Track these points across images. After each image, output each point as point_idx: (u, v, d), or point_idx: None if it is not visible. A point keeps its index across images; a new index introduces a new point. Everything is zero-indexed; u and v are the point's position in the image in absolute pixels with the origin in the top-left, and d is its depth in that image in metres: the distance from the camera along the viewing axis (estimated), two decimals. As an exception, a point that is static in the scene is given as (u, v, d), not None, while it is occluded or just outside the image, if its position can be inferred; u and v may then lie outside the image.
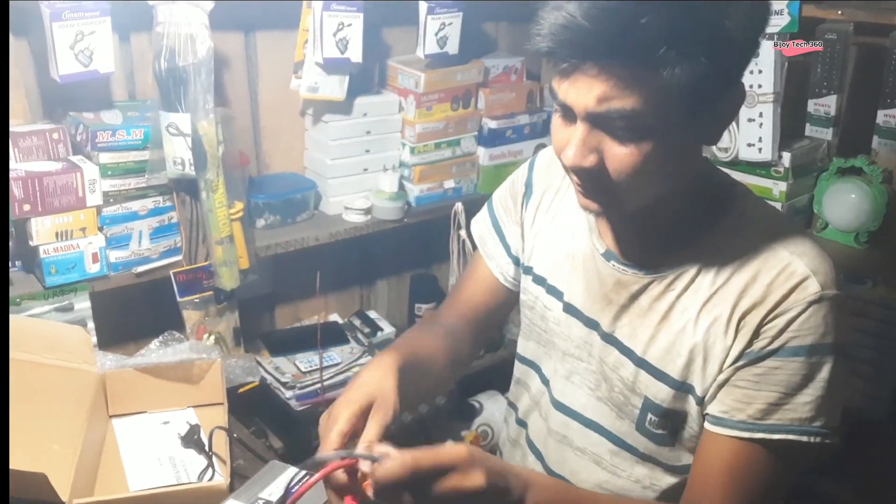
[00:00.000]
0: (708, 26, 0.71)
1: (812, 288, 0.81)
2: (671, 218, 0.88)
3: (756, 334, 0.83)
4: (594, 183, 0.80)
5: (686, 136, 0.79)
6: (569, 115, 0.79)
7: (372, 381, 0.86)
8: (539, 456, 1.05)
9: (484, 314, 1.13)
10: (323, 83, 1.60)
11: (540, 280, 1.03)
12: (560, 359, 1.00)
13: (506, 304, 1.14)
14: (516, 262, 1.09)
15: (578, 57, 0.73)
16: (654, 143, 0.76)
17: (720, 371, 0.85)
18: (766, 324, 0.82)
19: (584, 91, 0.75)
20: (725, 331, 0.84)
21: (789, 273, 0.82)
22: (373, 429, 0.81)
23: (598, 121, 0.76)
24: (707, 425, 0.87)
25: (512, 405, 1.13)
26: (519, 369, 1.11)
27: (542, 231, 1.04)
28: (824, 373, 0.82)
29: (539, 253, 1.04)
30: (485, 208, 1.14)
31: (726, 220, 0.88)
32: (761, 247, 0.85)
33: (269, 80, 1.66)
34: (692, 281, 0.87)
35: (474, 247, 1.17)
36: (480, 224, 1.14)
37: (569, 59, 0.74)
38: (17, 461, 0.90)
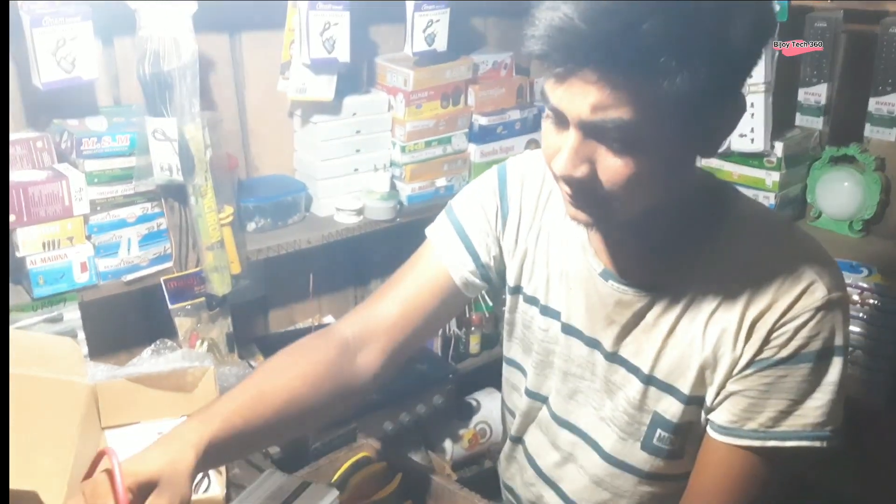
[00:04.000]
0: (712, 35, 0.68)
1: (819, 293, 0.80)
2: (667, 231, 0.85)
3: (766, 342, 0.81)
4: (585, 193, 0.77)
5: (682, 147, 0.76)
6: (561, 121, 0.75)
7: (162, 458, 0.75)
8: (538, 471, 1.04)
9: (423, 317, 0.99)
10: (311, 84, 1.58)
11: (532, 300, 0.99)
12: (561, 378, 0.98)
13: (453, 309, 1.05)
14: (483, 274, 1.00)
15: (575, 62, 0.69)
16: (650, 155, 0.73)
17: (728, 378, 0.84)
18: (776, 331, 0.81)
19: (578, 98, 0.71)
20: (735, 340, 0.83)
21: (795, 277, 0.81)
22: None
23: (592, 129, 0.73)
24: (713, 434, 0.85)
25: (510, 412, 1.09)
26: (508, 370, 1.08)
27: (528, 251, 0.98)
28: (832, 375, 0.81)
29: (528, 273, 0.99)
30: (443, 216, 1.03)
31: (723, 226, 0.85)
32: (763, 251, 0.83)
33: (256, 82, 1.64)
34: (696, 293, 0.85)
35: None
36: (439, 231, 1.02)
37: (564, 63, 0.70)
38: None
